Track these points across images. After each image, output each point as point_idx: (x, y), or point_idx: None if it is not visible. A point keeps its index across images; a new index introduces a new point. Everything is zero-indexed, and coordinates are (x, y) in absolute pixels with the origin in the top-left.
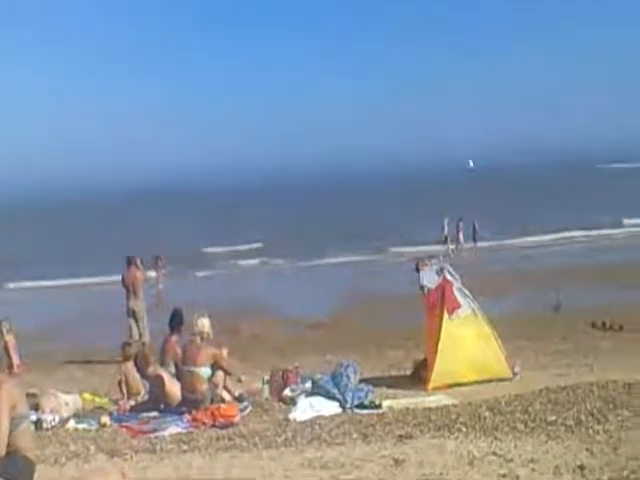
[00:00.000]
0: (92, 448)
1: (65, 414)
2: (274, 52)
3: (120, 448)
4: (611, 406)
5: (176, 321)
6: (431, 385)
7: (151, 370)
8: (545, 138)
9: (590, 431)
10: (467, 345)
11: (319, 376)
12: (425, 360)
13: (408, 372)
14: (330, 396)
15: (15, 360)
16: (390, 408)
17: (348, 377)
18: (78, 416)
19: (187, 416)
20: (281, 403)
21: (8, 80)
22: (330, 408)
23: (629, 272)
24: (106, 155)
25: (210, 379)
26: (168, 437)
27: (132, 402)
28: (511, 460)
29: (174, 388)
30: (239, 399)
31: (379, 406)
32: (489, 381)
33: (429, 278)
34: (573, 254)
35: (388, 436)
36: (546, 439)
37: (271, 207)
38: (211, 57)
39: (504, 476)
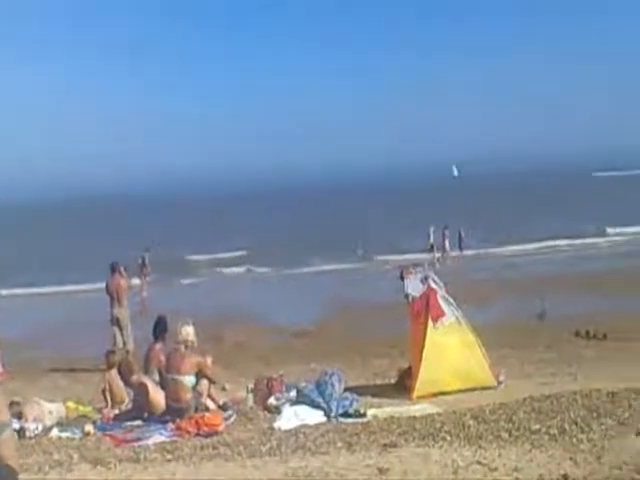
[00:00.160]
0: (75, 457)
1: (48, 422)
2: (272, 53)
3: (104, 457)
4: (595, 415)
5: (160, 329)
6: (416, 394)
7: (135, 378)
8: (543, 145)
9: (574, 440)
10: (451, 353)
11: (304, 385)
12: (410, 368)
13: (393, 381)
14: (315, 405)
15: None
16: (375, 417)
17: (333, 386)
18: (61, 424)
19: (171, 425)
20: (265, 412)
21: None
22: (315, 417)
23: (612, 281)
24: (100, 159)
25: (194, 387)
26: (152, 446)
27: (116, 411)
28: (495, 469)
29: (158, 396)
30: (223, 408)
31: (364, 415)
32: (473, 390)
33: (414, 286)
34: (557, 263)
35: (373, 445)
36: (530, 448)
37: (257, 214)
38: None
39: None
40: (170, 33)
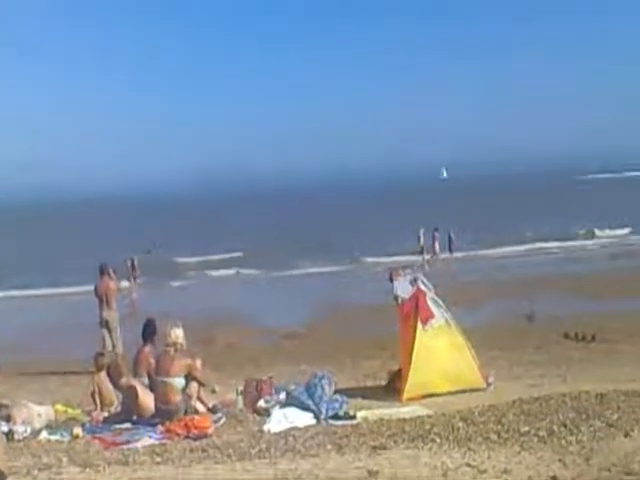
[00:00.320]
0: (64, 460)
1: (37, 425)
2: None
3: (93, 460)
4: (583, 417)
5: (149, 331)
6: (405, 396)
7: (124, 381)
8: (534, 147)
9: (563, 442)
10: (441, 355)
11: (293, 387)
12: (400, 370)
13: (383, 382)
14: (304, 407)
15: None
16: (365, 419)
17: (322, 388)
18: (50, 427)
19: (160, 427)
20: (255, 414)
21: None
22: (304, 419)
23: (600, 283)
24: (98, 161)
25: (184, 390)
26: (141, 448)
27: (105, 413)
28: (484, 471)
29: (147, 399)
30: (213, 410)
31: (353, 417)
32: (463, 391)
33: (403, 288)
34: (547, 264)
35: (362, 447)
36: (519, 450)
37: (250, 216)
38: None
39: None
40: (171, 34)
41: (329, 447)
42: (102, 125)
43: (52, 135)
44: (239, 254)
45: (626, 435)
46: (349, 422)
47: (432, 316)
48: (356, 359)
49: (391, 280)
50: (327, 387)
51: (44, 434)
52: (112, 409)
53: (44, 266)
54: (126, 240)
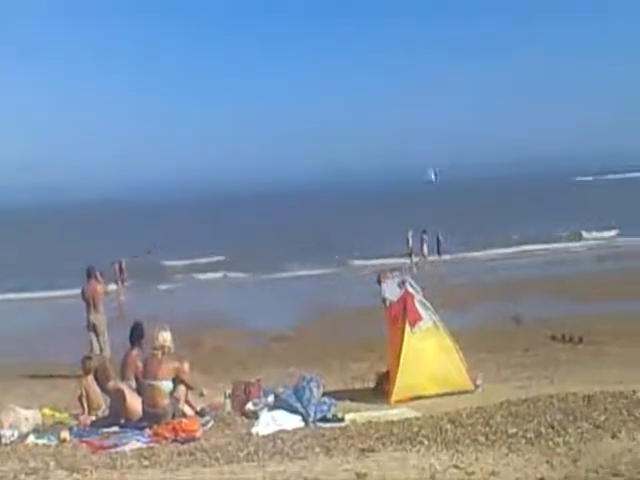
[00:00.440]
0: (52, 464)
1: (24, 429)
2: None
3: (80, 464)
4: (571, 418)
5: (137, 335)
6: (394, 398)
7: (112, 384)
8: (522, 150)
9: (550, 443)
10: (429, 358)
11: (281, 390)
12: (388, 373)
13: (371, 385)
14: (293, 410)
15: None
16: (353, 421)
17: (311, 390)
18: (38, 431)
19: (148, 431)
20: (243, 417)
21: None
22: (293, 422)
23: (588, 284)
24: (94, 164)
25: (171, 393)
26: (129, 452)
27: (92, 417)
28: (472, 473)
29: (135, 402)
30: (201, 413)
31: (342, 419)
32: (451, 394)
33: (391, 291)
34: (534, 267)
35: (350, 450)
36: (507, 452)
37: (240, 219)
38: None
39: None
40: (171, 34)
41: (317, 450)
42: (100, 125)
43: (51, 135)
44: (227, 257)
45: (613, 436)
46: (337, 425)
47: (420, 318)
48: (344, 361)
49: (379, 282)
50: (315, 390)
51: (31, 438)
52: (99, 413)
53: (40, 269)
54: (118, 242)
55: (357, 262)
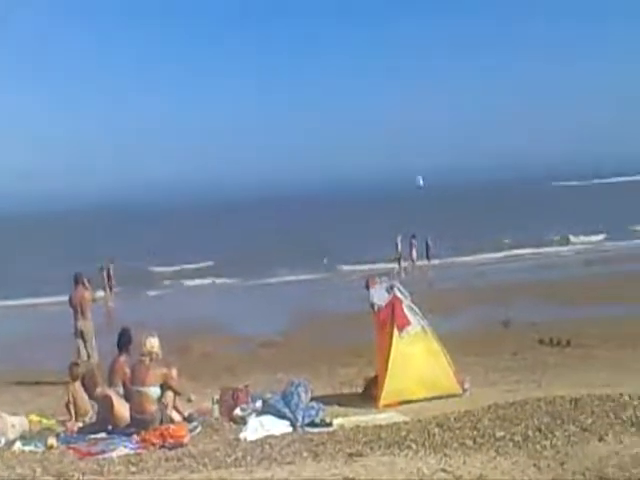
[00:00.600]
0: (39, 470)
1: (11, 436)
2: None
3: (67, 470)
4: (558, 421)
5: (124, 341)
6: (382, 402)
7: (99, 391)
8: (505, 156)
9: (537, 447)
10: (417, 362)
11: (269, 395)
12: (376, 377)
13: (359, 390)
14: (281, 415)
15: None
16: (341, 426)
17: (299, 396)
18: (24, 438)
19: (136, 437)
20: (231, 423)
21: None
22: (281, 427)
23: (575, 288)
24: (85, 170)
25: (159, 399)
26: (116, 458)
27: (80, 423)
28: (460, 477)
29: (122, 409)
30: (189, 419)
31: (330, 424)
32: (439, 398)
33: (379, 296)
34: (523, 271)
35: (338, 454)
36: (495, 455)
37: (229, 225)
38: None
39: None
40: (170, 37)
41: (305, 455)
42: (98, 129)
43: (47, 141)
44: (216, 263)
45: (600, 439)
46: (325, 429)
47: (408, 323)
48: (332, 367)
49: (367, 288)
50: (303, 395)
51: (18, 445)
52: (87, 419)
53: (28, 276)
54: (109, 249)
55: (345, 267)
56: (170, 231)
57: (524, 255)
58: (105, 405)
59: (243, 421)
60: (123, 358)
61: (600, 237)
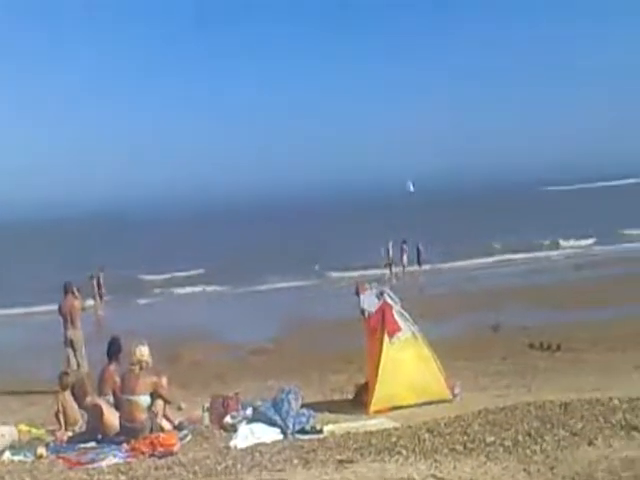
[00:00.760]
0: None
1: (0, 446)
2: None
3: None
4: (548, 426)
5: (114, 350)
6: (372, 408)
7: (89, 400)
8: (492, 161)
9: (527, 451)
10: (407, 368)
11: (260, 403)
12: (367, 384)
13: (350, 396)
14: (271, 422)
15: None
16: (331, 433)
17: (289, 403)
18: (14, 447)
19: (125, 446)
20: (222, 430)
21: None
22: (271, 434)
23: (565, 293)
24: (88, 176)
25: (149, 408)
26: (106, 468)
27: (69, 433)
28: None
29: (112, 418)
30: (179, 427)
31: (320, 431)
32: (429, 403)
33: (369, 302)
34: (513, 276)
35: (329, 461)
36: (485, 460)
37: (215, 232)
38: None
39: None
40: (163, 46)
41: (295, 462)
42: (89, 138)
43: (37, 150)
44: (207, 270)
45: (590, 444)
46: (316, 436)
47: (398, 329)
48: (323, 373)
49: (357, 294)
50: (294, 402)
51: (7, 454)
52: (76, 428)
53: (17, 284)
54: (90, 258)
55: (336, 274)
56: (161, 239)
57: (514, 260)
58: (95, 414)
59: (233, 429)
60: (113, 367)
61: (590, 241)
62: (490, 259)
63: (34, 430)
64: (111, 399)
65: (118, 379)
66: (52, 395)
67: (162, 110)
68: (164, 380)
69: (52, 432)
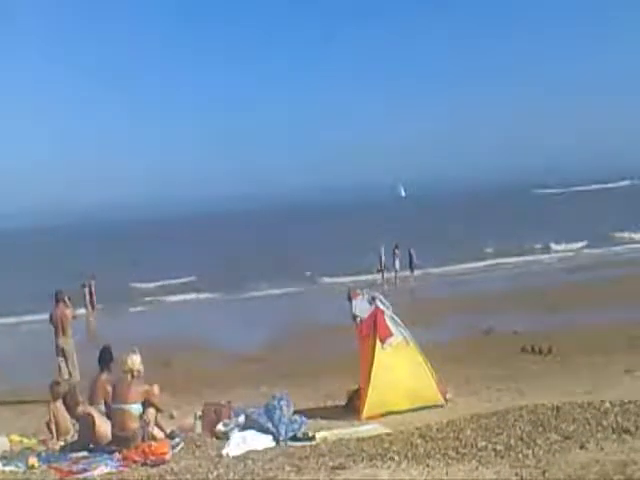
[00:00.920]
0: None
1: None
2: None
3: None
4: (540, 430)
5: (105, 358)
6: (365, 415)
7: (81, 409)
8: (480, 165)
9: (520, 455)
10: (399, 373)
11: (252, 410)
12: (359, 390)
13: (343, 402)
14: (264, 429)
15: None
16: (324, 439)
17: (281, 409)
18: (5, 458)
19: (117, 455)
20: (214, 438)
21: None
22: (263, 441)
23: (556, 296)
24: (76, 182)
25: (141, 416)
26: (98, 477)
27: (61, 442)
28: None
29: (104, 427)
30: (171, 436)
31: (313, 438)
32: (422, 408)
33: (361, 307)
34: (504, 280)
35: (321, 468)
36: (477, 465)
37: (207, 239)
38: None
39: None
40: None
41: (288, 469)
42: (73, 143)
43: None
44: (197, 278)
45: (582, 447)
46: (308, 443)
47: (390, 334)
48: (316, 380)
49: (349, 299)
50: (285, 409)
51: None
52: (68, 438)
53: (7, 294)
54: (81, 267)
55: (328, 279)
56: (152, 247)
57: (506, 264)
58: (87, 423)
59: (226, 437)
60: (104, 376)
61: (581, 244)
62: (482, 263)
63: (26, 440)
64: (103, 408)
65: (110, 388)
66: (44, 404)
67: (146, 114)
68: (156, 388)
69: (44, 442)
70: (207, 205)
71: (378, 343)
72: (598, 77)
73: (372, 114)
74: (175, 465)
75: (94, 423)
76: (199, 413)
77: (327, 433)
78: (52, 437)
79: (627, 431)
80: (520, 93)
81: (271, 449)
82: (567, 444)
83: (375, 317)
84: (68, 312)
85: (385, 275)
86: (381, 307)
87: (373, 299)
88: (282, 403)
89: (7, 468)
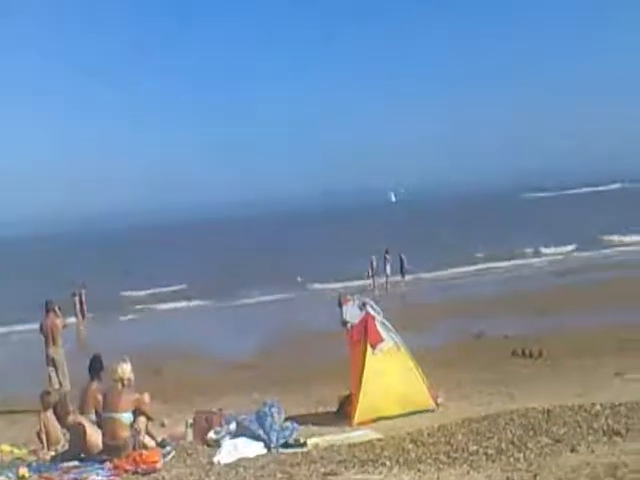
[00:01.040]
0: None
1: None
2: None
3: None
4: (531, 433)
5: (96, 367)
6: (356, 420)
7: (71, 419)
8: (469, 170)
9: (511, 459)
10: (390, 379)
11: (243, 417)
12: (350, 395)
13: (334, 408)
14: (255, 437)
15: None
16: (315, 445)
17: (272, 416)
18: None
19: (108, 464)
20: (205, 446)
21: None
22: (255, 449)
23: (546, 299)
24: (67, 191)
25: (132, 425)
26: None
27: (52, 452)
28: None
29: (95, 436)
30: (162, 444)
31: (304, 444)
32: (413, 413)
33: (352, 313)
34: (494, 284)
35: (313, 475)
36: (468, 469)
37: (196, 246)
38: None
39: None
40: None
41: (279, 476)
42: (63, 152)
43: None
44: (188, 285)
45: (572, 450)
46: (299, 449)
47: (381, 340)
48: (307, 386)
49: (340, 305)
50: (277, 415)
51: None
52: (59, 448)
53: None
54: (73, 276)
55: (319, 286)
56: (147, 254)
57: (497, 268)
58: (77, 433)
59: (217, 444)
60: (95, 385)
61: (570, 248)
62: (472, 268)
63: (16, 450)
64: (93, 417)
65: (100, 397)
66: (34, 414)
67: (146, 114)
68: (146, 397)
69: (34, 452)
70: (207, 211)
71: (369, 349)
72: (598, 77)
73: (372, 114)
74: (166, 473)
75: (85, 432)
76: (190, 421)
77: (318, 439)
78: (43, 447)
79: (618, 433)
80: (520, 93)
81: (262, 456)
82: (558, 447)
83: (366, 323)
84: (58, 322)
85: (376, 280)
86: (372, 313)
87: (364, 305)
88: (273, 410)
89: None
